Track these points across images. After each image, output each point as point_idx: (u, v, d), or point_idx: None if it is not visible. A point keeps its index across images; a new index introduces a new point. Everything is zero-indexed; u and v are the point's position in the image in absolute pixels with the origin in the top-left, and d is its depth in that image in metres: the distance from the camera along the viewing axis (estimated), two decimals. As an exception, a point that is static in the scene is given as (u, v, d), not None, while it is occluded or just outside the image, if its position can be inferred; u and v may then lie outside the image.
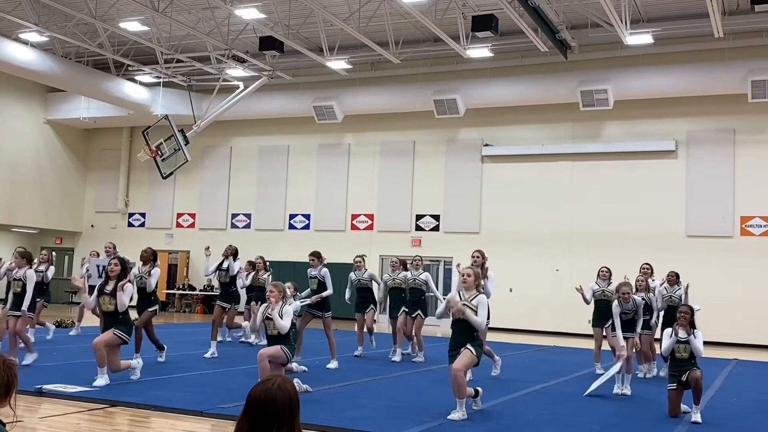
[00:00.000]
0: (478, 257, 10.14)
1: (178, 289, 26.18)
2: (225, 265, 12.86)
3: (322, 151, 24.78)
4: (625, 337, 9.56)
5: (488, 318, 9.80)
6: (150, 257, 10.54)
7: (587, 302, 11.51)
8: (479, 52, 19.66)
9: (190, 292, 26.03)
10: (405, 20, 19.26)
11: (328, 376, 10.22)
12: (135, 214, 27.72)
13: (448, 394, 7.85)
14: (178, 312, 25.74)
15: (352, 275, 12.81)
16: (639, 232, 20.30)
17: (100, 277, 12.58)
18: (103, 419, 7.07)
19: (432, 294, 13.33)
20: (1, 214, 24.99)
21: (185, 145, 21.80)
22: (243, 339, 14.72)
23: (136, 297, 10.06)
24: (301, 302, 10.68)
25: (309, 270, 11.58)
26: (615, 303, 9.72)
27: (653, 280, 11.83)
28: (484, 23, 16.65)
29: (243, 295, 14.41)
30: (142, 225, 27.35)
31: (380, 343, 14.06)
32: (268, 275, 13.79)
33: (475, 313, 7.43)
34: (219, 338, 12.91)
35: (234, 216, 25.96)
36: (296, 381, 8.46)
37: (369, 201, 23.97)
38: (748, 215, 19.68)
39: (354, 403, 8.08)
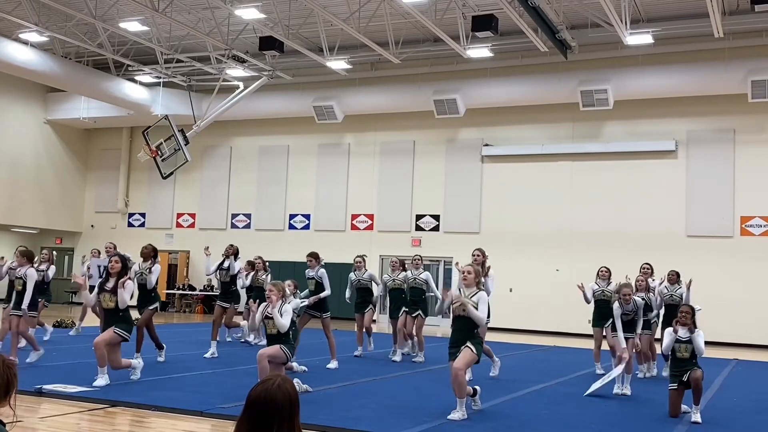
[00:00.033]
0: (478, 255, 10.14)
1: (178, 289, 26.18)
2: (226, 264, 12.87)
3: (322, 151, 24.78)
4: (625, 338, 9.56)
5: (488, 316, 9.82)
6: (150, 254, 10.56)
7: (588, 301, 11.51)
8: (479, 52, 19.66)
9: (190, 292, 26.03)
10: (405, 20, 19.26)
11: (328, 376, 10.22)
12: (135, 214, 27.72)
13: (448, 394, 7.85)
14: (178, 312, 25.74)
15: (351, 275, 12.80)
16: (639, 232, 20.30)
17: (100, 277, 12.59)
18: (103, 419, 7.07)
19: (432, 294, 13.33)
20: (1, 214, 25.00)
21: (185, 145, 21.80)
22: (243, 339, 14.71)
23: (136, 294, 10.06)
24: (300, 301, 10.68)
25: (307, 271, 11.58)
26: (616, 305, 9.71)
27: (653, 280, 11.83)
28: (484, 23, 16.65)
29: (243, 295, 14.40)
30: (142, 225, 27.35)
31: (380, 343, 14.07)
32: (267, 276, 13.79)
33: (476, 309, 7.43)
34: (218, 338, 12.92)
35: (234, 216, 25.96)
36: (296, 381, 8.46)
37: (369, 201, 23.97)
38: (748, 215, 19.68)
39: (354, 403, 8.08)
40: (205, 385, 8.95)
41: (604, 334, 11.04)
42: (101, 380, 8.45)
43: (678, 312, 8.31)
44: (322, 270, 11.51)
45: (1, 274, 11.72)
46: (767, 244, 19.39)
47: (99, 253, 14.55)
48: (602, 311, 11.18)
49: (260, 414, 2.62)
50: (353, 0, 17.99)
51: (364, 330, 12.99)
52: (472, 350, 7.41)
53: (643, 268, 11.80)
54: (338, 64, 21.30)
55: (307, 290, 11.40)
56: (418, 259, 12.72)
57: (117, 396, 7.82)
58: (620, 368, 9.38)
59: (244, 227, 25.67)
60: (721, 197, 19.86)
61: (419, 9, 17.06)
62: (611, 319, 10.14)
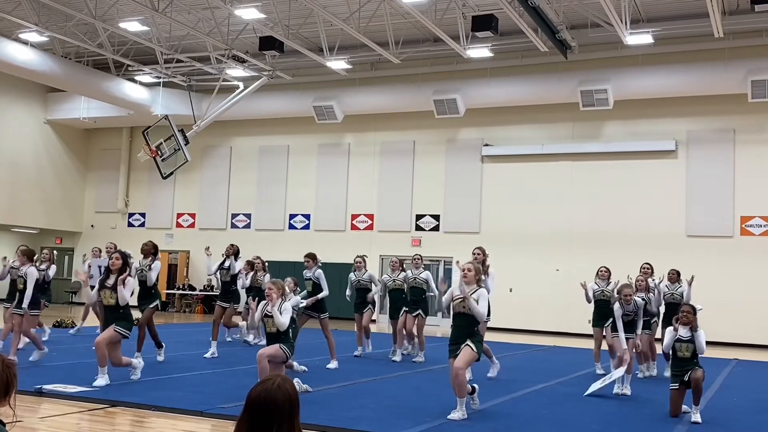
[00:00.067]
0: (479, 254, 10.14)
1: (178, 289, 26.18)
2: (226, 264, 12.89)
3: (322, 151, 24.79)
4: (626, 338, 9.56)
5: (489, 315, 9.82)
6: (151, 250, 10.56)
7: (589, 300, 11.50)
8: (479, 52, 19.66)
9: (190, 292, 26.04)
10: (405, 20, 19.26)
11: (328, 376, 10.22)
12: (135, 214, 27.72)
13: (448, 394, 7.85)
14: (178, 312, 25.74)
15: (351, 276, 12.80)
16: (639, 232, 20.31)
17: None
18: (103, 419, 7.07)
19: (432, 294, 13.32)
20: (1, 214, 25.00)
21: (185, 145, 21.79)
22: (242, 339, 14.70)
23: (137, 291, 10.06)
24: (300, 299, 10.68)
25: (304, 272, 11.57)
26: (617, 305, 9.71)
27: (653, 280, 11.83)
28: (484, 23, 16.65)
29: (243, 295, 14.40)
30: (142, 225, 27.35)
31: (380, 342, 14.07)
32: (265, 276, 13.77)
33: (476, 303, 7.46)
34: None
35: (234, 216, 25.96)
36: (296, 381, 8.45)
37: (369, 201, 23.97)
38: (748, 215, 19.68)
39: (354, 403, 8.08)
40: (205, 385, 8.95)
41: (604, 334, 11.04)
42: (101, 380, 8.45)
43: (679, 311, 8.30)
44: (319, 271, 11.51)
45: (3, 274, 11.74)
46: (767, 244, 19.39)
47: (100, 251, 14.54)
48: (602, 311, 11.18)
49: (260, 414, 2.62)
50: (353, 0, 17.99)
51: (362, 329, 12.99)
52: (472, 348, 7.43)
53: (643, 268, 11.79)
54: (338, 64, 21.30)
55: (305, 291, 11.40)
56: (418, 259, 12.72)
57: (117, 396, 7.81)
58: (621, 370, 9.37)
59: (244, 227, 25.67)
60: (721, 197, 19.86)
61: (419, 9, 17.06)
62: (611, 319, 10.14)
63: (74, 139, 27.86)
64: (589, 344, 12.71)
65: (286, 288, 8.35)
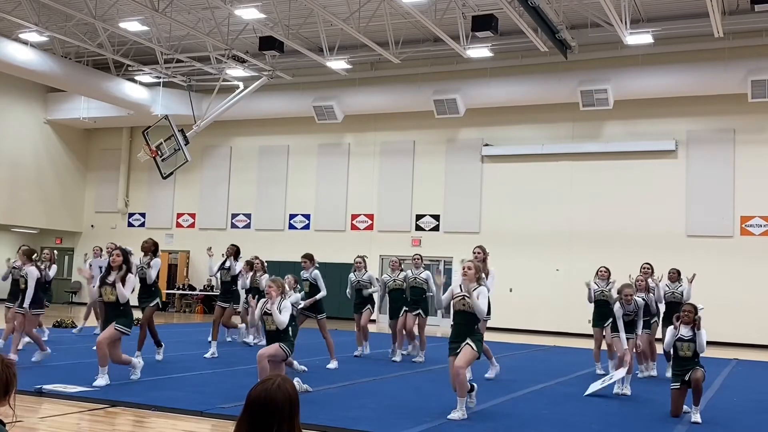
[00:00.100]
0: (479, 253, 10.14)
1: (178, 289, 26.18)
2: (227, 264, 12.88)
3: (322, 151, 24.79)
4: (626, 338, 9.56)
5: (489, 313, 9.81)
6: (151, 248, 10.55)
7: (591, 300, 11.48)
8: (479, 52, 19.66)
9: (190, 292, 26.04)
10: (405, 20, 19.26)
11: (328, 376, 10.23)
12: (135, 214, 27.73)
13: (448, 394, 7.85)
14: (178, 312, 25.74)
15: (351, 276, 12.79)
16: (639, 232, 20.31)
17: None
18: (104, 419, 7.07)
19: (432, 294, 13.30)
20: (1, 214, 25.00)
21: (185, 145, 21.79)
22: (241, 340, 14.66)
23: (138, 288, 10.05)
24: (300, 296, 10.67)
25: (301, 272, 11.57)
26: (617, 305, 9.70)
27: (653, 280, 11.82)
28: (484, 23, 16.65)
29: (243, 295, 14.39)
30: (142, 225, 27.35)
31: (380, 342, 14.06)
32: (264, 276, 13.75)
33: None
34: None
35: (234, 216, 25.97)
36: (296, 380, 8.45)
37: (369, 201, 23.97)
38: (748, 215, 19.68)
39: (354, 403, 8.08)
40: (205, 385, 8.95)
41: (604, 334, 11.03)
42: (101, 380, 8.44)
43: (680, 310, 8.29)
44: (317, 271, 11.51)
45: (5, 275, 11.75)
46: (767, 244, 19.39)
47: (101, 250, 14.55)
48: (602, 311, 11.18)
49: (260, 414, 2.62)
50: (353, 0, 17.99)
51: (360, 329, 12.98)
52: (472, 347, 7.45)
53: (644, 268, 11.79)
54: (338, 64, 21.30)
55: (302, 292, 11.39)
56: (419, 259, 12.72)
57: (117, 396, 7.81)
58: (622, 371, 9.36)
59: (244, 227, 25.67)
60: (721, 197, 19.86)
61: (419, 9, 17.07)
62: (611, 319, 10.14)
63: (74, 139, 27.87)
64: (589, 344, 12.71)
65: (286, 286, 8.33)
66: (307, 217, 24.82)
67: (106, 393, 7.99)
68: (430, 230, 23.12)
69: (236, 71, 22.60)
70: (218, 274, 13.10)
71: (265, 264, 14.17)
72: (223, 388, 8.69)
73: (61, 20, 20.15)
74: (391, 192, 23.65)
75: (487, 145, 22.47)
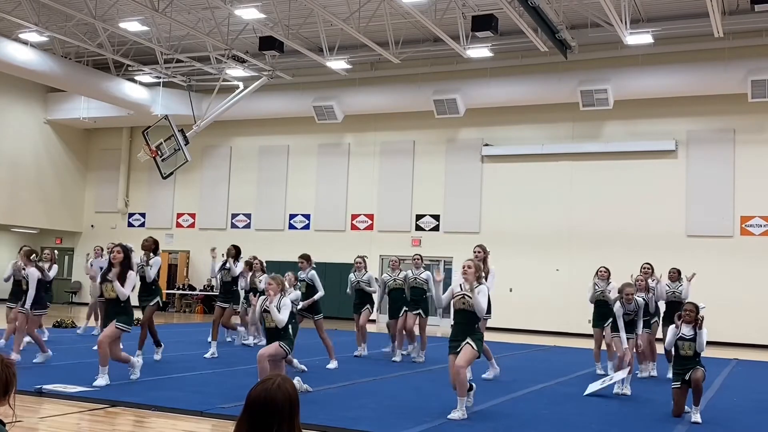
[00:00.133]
0: (479, 252, 10.13)
1: (178, 289, 26.18)
2: (227, 264, 12.88)
3: (322, 151, 24.79)
4: (626, 338, 9.56)
5: (489, 312, 9.80)
6: (151, 246, 10.53)
7: (592, 300, 11.46)
8: (479, 52, 19.66)
9: (190, 292, 26.04)
10: (405, 20, 19.26)
11: (328, 376, 10.22)
12: (135, 214, 27.73)
13: (448, 394, 7.85)
14: (178, 312, 25.74)
15: (351, 276, 12.79)
16: (639, 232, 20.31)
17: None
18: (104, 419, 7.07)
19: (431, 293, 13.29)
20: (1, 214, 25.00)
21: (185, 145, 21.79)
22: (240, 342, 14.60)
23: (138, 285, 10.04)
24: (299, 294, 10.66)
25: (298, 273, 11.53)
26: (617, 304, 9.70)
27: (653, 279, 11.83)
28: (484, 23, 16.65)
29: (243, 296, 14.37)
30: (142, 225, 27.35)
31: (379, 342, 14.05)
32: (262, 276, 13.73)
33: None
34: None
35: (234, 216, 25.97)
36: (297, 379, 8.46)
37: (369, 201, 23.97)
38: (748, 215, 19.68)
39: (354, 403, 8.08)
40: (205, 385, 8.95)
41: (604, 334, 11.03)
42: (101, 380, 8.44)
43: (682, 309, 8.29)
44: (313, 272, 11.51)
45: (9, 276, 11.75)
46: (767, 244, 19.39)
47: (102, 250, 14.55)
48: (602, 311, 11.17)
49: (260, 414, 2.62)
50: (353, 0, 17.99)
51: (358, 329, 12.97)
52: (472, 347, 7.46)
53: (644, 268, 11.78)
54: (338, 64, 21.30)
55: (298, 292, 11.37)
56: (419, 259, 12.72)
57: (117, 396, 7.81)
58: (623, 373, 9.36)
59: (244, 227, 25.67)
60: (721, 197, 19.86)
61: (419, 9, 17.06)
62: (611, 319, 10.13)
63: (74, 139, 27.87)
64: (589, 344, 12.71)
65: (286, 283, 8.31)
66: (307, 217, 24.81)
67: (106, 393, 7.99)
68: (430, 230, 23.12)
69: (236, 71, 22.60)
70: (219, 275, 13.09)
71: (264, 264, 14.16)
72: (223, 388, 8.69)
73: (61, 20, 20.16)
74: (391, 192, 23.65)
75: (487, 145, 22.47)
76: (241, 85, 23.13)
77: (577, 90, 20.25)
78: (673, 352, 8.22)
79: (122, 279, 8.63)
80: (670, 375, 10.51)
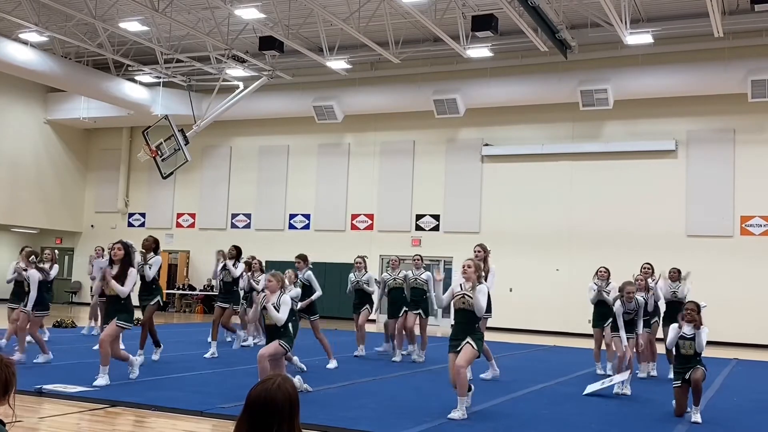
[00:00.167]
0: (479, 251, 10.13)
1: (178, 289, 26.18)
2: (227, 265, 12.87)
3: (322, 151, 24.79)
4: (627, 338, 9.56)
5: (490, 311, 9.80)
6: (151, 246, 10.52)
7: (593, 302, 11.46)
8: (479, 52, 19.66)
9: (190, 292, 26.04)
10: (405, 20, 19.26)
11: (328, 376, 10.22)
12: (135, 214, 27.73)
13: (448, 394, 7.85)
14: (178, 312, 25.74)
15: (351, 276, 12.79)
16: (639, 232, 20.30)
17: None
18: (104, 419, 7.07)
19: (434, 293, 13.29)
20: (1, 214, 25.00)
21: (185, 145, 21.79)
22: (242, 344, 14.50)
23: (139, 284, 10.04)
24: (299, 291, 10.65)
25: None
26: (617, 303, 9.70)
27: (652, 279, 11.82)
28: (483, 23, 16.65)
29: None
30: (142, 225, 27.35)
31: (377, 342, 14.03)
32: (261, 276, 13.70)
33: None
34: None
35: (234, 216, 25.97)
36: (297, 378, 8.46)
37: (369, 201, 23.97)
38: (748, 215, 19.68)
39: (354, 403, 8.08)
40: (205, 385, 8.95)
41: (604, 334, 11.03)
42: (101, 380, 8.44)
43: (683, 309, 8.29)
44: (309, 272, 11.49)
45: (12, 277, 11.76)
46: (767, 244, 19.39)
47: (103, 251, 14.56)
48: (602, 311, 11.17)
49: (260, 414, 2.62)
50: (353, 0, 17.99)
51: (356, 329, 12.97)
52: (472, 346, 7.48)
53: (644, 268, 11.78)
54: (338, 64, 21.30)
55: (298, 289, 11.35)
56: (419, 260, 12.71)
57: (117, 396, 7.81)
58: (623, 375, 9.35)
59: (244, 227, 25.67)
60: (721, 197, 19.86)
61: (419, 9, 17.06)
62: (611, 319, 10.13)
63: (74, 139, 27.87)
64: (589, 344, 12.71)
65: (286, 280, 8.30)
66: (307, 217, 24.81)
67: (106, 393, 7.99)
68: (430, 230, 23.12)
69: (236, 71, 22.60)
70: (221, 275, 13.08)
71: (263, 264, 14.14)
72: (223, 388, 8.69)
73: (61, 20, 20.16)
74: (391, 192, 23.65)
75: (487, 145, 22.47)
76: (241, 85, 23.13)
77: (577, 90, 20.25)
78: (674, 352, 8.22)
79: (123, 276, 8.63)
80: (671, 375, 10.52)
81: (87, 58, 23.74)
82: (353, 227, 24.12)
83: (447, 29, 18.32)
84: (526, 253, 21.50)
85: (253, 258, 13.93)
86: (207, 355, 11.83)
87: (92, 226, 28.10)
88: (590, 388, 9.48)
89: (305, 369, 10.20)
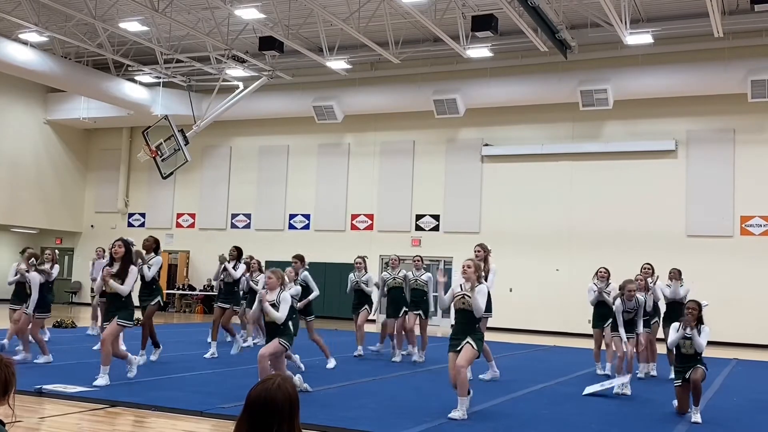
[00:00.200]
0: (479, 251, 10.13)
1: (178, 289, 26.18)
2: (228, 267, 12.84)
3: (322, 151, 24.79)
4: (627, 338, 9.56)
5: (490, 311, 9.79)
6: (152, 246, 10.52)
7: (593, 303, 11.45)
8: (479, 52, 19.66)
9: (190, 292, 26.03)
10: (405, 20, 19.26)
11: (328, 376, 10.22)
12: (135, 214, 27.73)
13: (448, 394, 7.85)
14: (178, 312, 25.74)
15: (351, 276, 12.79)
16: (639, 232, 20.30)
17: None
18: (104, 419, 7.06)
19: (434, 294, 13.30)
20: (1, 214, 24.99)
21: (185, 145, 21.79)
22: (243, 346, 14.43)
23: (139, 283, 10.04)
24: (299, 289, 10.65)
25: None
26: (618, 302, 9.69)
27: (652, 279, 11.81)
28: (483, 23, 16.65)
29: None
30: (142, 225, 27.35)
31: (376, 342, 14.02)
32: (260, 277, 13.68)
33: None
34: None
35: (234, 216, 25.97)
36: (297, 377, 8.46)
37: (369, 201, 23.97)
38: (748, 215, 19.68)
39: (354, 403, 8.08)
40: (205, 385, 8.95)
41: (604, 334, 11.03)
42: (102, 380, 8.44)
43: (684, 309, 8.29)
44: (306, 273, 11.49)
45: (14, 279, 11.75)
46: (767, 244, 19.39)
47: (103, 251, 14.55)
48: (602, 312, 11.16)
49: (260, 414, 2.62)
50: (353, 0, 17.99)
51: (355, 329, 12.96)
52: (472, 346, 7.48)
53: (644, 268, 11.77)
54: (338, 64, 21.30)
55: (298, 287, 11.34)
56: (419, 260, 12.70)
57: (117, 396, 7.81)
58: (626, 378, 9.35)
59: (244, 227, 25.67)
60: (721, 197, 19.86)
61: (419, 9, 17.06)
62: (611, 319, 10.13)
63: (74, 139, 27.87)
64: (589, 344, 12.70)
65: (286, 278, 8.29)
66: (307, 217, 24.81)
67: (106, 393, 7.99)
68: (430, 230, 23.12)
69: (236, 71, 22.61)
70: (222, 276, 13.06)
71: (262, 264, 14.13)
72: (223, 388, 8.69)
73: (61, 20, 20.16)
74: (391, 192, 23.65)
75: (487, 145, 22.47)
76: (241, 85, 23.13)
77: (576, 90, 20.25)
78: (674, 351, 8.23)
79: (124, 273, 8.64)
80: (671, 375, 10.53)
81: (87, 59, 23.74)
82: (353, 227, 24.12)
83: (447, 29, 18.32)
84: (526, 253, 21.50)
85: (252, 258, 13.90)
86: (207, 356, 11.82)
87: (92, 226, 28.10)
88: (589, 390, 9.48)
89: (304, 369, 10.19)
